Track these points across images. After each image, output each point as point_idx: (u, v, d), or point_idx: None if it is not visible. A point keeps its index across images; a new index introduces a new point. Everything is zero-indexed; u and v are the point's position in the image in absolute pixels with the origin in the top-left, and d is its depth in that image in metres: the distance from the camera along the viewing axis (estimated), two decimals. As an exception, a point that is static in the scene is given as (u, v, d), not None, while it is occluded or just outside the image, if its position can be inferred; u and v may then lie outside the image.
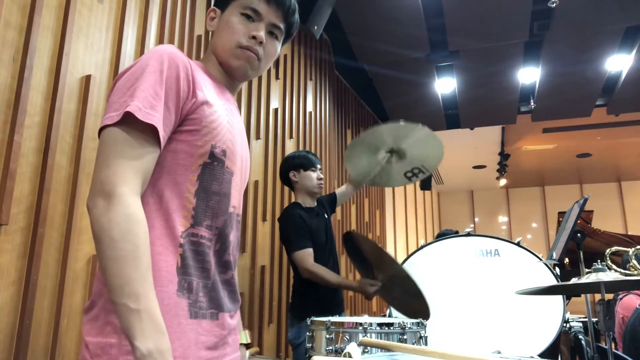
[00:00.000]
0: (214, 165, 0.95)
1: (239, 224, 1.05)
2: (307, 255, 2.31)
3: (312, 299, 2.31)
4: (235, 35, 1.02)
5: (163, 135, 0.87)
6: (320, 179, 2.51)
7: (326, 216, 2.57)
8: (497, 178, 7.95)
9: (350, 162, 2.61)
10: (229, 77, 1.08)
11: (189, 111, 0.92)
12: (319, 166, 2.53)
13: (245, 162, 1.08)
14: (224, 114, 0.99)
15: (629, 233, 7.04)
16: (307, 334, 1.96)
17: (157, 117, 0.85)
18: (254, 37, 1.03)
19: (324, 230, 2.49)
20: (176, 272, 0.87)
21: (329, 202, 2.69)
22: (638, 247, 2.57)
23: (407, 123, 2.35)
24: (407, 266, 2.45)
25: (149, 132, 0.85)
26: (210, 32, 1.11)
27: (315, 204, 2.55)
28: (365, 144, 2.53)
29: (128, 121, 0.83)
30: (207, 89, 0.98)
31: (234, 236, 1.02)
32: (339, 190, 2.79)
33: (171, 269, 0.87)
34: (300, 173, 2.49)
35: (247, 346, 1.23)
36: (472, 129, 6.19)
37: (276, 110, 3.20)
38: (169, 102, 0.88)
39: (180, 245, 0.89)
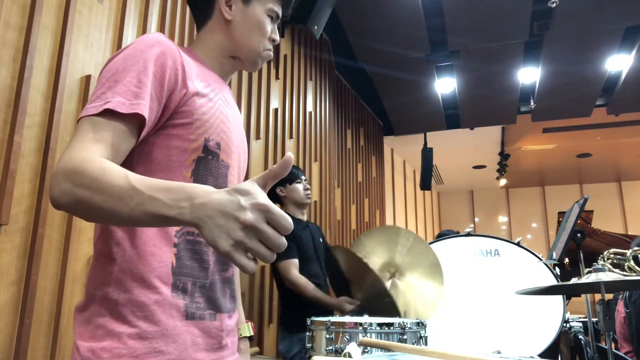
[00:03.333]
0: (208, 160, 0.92)
1: None
2: (292, 266, 2.33)
3: (300, 309, 2.29)
4: (265, 38, 1.05)
5: (149, 117, 0.82)
6: (307, 189, 2.55)
7: (321, 239, 2.59)
8: (497, 178, 7.94)
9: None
10: (231, 68, 1.07)
11: (180, 103, 0.88)
12: (303, 177, 2.58)
13: (242, 154, 1.05)
14: (217, 105, 0.95)
15: (629, 233, 7.04)
16: (298, 346, 1.95)
17: (142, 103, 0.81)
18: (273, 41, 1.07)
19: (311, 244, 2.50)
20: (171, 273, 0.85)
21: (322, 236, 2.69)
22: (636, 248, 2.57)
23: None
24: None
25: (130, 121, 0.81)
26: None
27: (305, 217, 2.59)
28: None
29: (107, 113, 0.79)
30: (199, 79, 0.94)
31: None
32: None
33: (165, 269, 0.85)
34: (287, 187, 2.54)
35: (251, 338, 1.22)
36: (472, 129, 6.19)
37: (276, 110, 3.20)
38: (153, 91, 0.84)
39: (175, 244, 0.87)
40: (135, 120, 0.81)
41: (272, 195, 2.60)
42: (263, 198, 0.62)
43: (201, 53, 1.03)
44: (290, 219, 0.63)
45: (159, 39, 0.88)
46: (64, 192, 0.71)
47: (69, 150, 0.75)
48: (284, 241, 0.62)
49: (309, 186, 2.58)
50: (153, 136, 0.88)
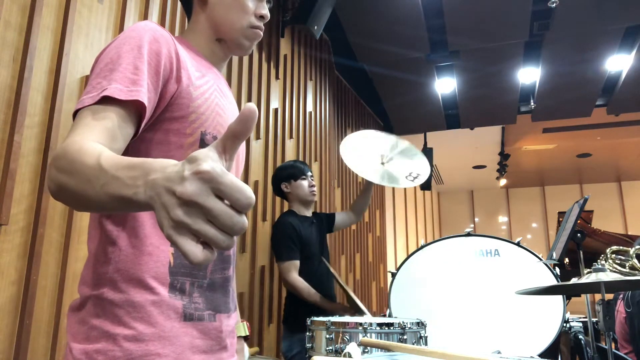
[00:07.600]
0: None
1: None
2: (292, 267, 2.32)
3: (304, 309, 2.28)
4: (248, 15, 0.99)
5: (148, 106, 0.79)
6: (312, 186, 2.51)
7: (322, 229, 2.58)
8: (497, 178, 7.94)
9: (350, 160, 2.64)
10: (223, 54, 1.03)
11: (175, 95, 0.85)
12: (309, 174, 2.53)
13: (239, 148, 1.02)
14: (212, 96, 0.92)
15: (629, 233, 7.04)
16: (299, 346, 1.94)
17: (141, 90, 0.77)
18: (262, 17, 1.01)
19: (318, 241, 2.48)
20: (168, 273, 0.82)
21: (327, 220, 2.67)
22: (638, 247, 2.56)
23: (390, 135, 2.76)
24: (407, 266, 2.45)
25: (129, 108, 0.77)
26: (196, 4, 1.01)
27: (311, 213, 2.55)
28: (359, 146, 2.66)
29: (104, 101, 0.75)
30: (193, 69, 0.91)
31: None
32: (339, 216, 2.74)
33: (163, 269, 0.82)
34: (292, 183, 2.50)
35: (246, 338, 1.21)
36: (472, 129, 6.18)
37: (276, 110, 3.20)
38: (149, 79, 0.80)
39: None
40: (134, 108, 0.78)
41: (278, 191, 2.57)
42: (208, 164, 0.46)
43: (193, 42, 1.01)
44: (248, 191, 0.46)
45: (151, 26, 0.85)
46: (51, 178, 0.67)
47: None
48: (240, 220, 0.46)
49: (314, 183, 2.53)
50: (149, 132, 0.85)
